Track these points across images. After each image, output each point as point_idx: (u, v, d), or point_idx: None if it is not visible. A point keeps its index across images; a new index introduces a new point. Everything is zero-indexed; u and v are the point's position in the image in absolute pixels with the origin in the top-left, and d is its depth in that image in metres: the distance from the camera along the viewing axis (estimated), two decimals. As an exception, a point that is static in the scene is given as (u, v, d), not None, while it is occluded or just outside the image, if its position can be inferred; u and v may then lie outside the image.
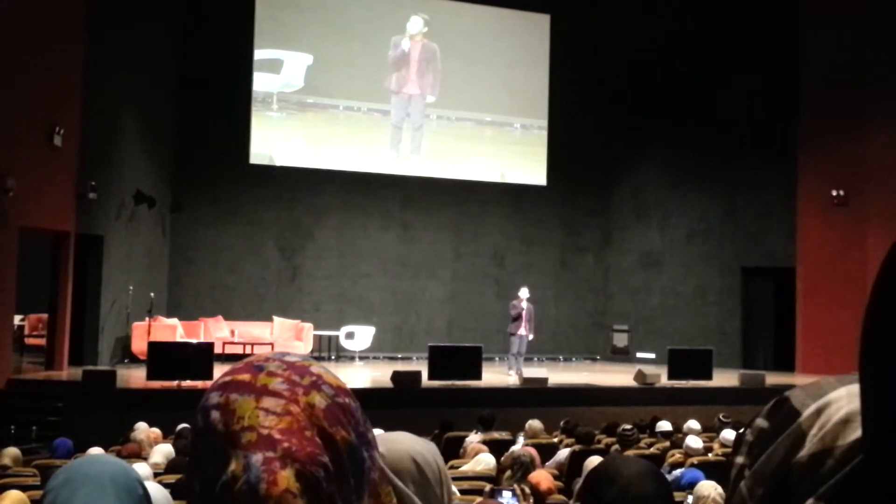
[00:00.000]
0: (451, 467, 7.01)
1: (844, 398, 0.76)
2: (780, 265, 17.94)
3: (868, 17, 16.47)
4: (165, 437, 8.55)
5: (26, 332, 16.48)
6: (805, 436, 0.76)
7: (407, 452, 1.42)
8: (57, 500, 1.47)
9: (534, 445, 8.26)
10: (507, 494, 5.71)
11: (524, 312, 15.26)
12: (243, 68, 18.35)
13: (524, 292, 15.46)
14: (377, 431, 1.15)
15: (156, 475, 5.87)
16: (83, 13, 13.81)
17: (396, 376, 12.82)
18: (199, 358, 12.02)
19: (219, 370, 10.56)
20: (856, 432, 0.73)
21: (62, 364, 13.65)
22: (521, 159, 20.22)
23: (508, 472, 6.85)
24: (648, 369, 14.45)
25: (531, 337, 15.43)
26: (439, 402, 12.14)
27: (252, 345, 15.22)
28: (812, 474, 0.74)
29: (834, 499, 0.72)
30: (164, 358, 12.08)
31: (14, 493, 3.97)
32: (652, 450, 8.52)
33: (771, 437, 0.79)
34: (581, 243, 20.51)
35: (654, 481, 1.59)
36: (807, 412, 0.77)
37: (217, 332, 16.06)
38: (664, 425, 9.75)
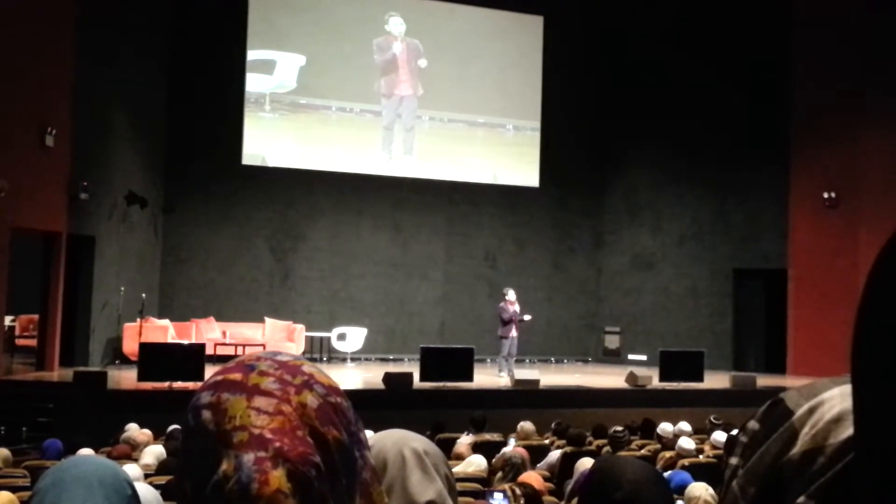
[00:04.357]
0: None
1: (837, 397, 0.76)
2: (771, 267, 17.96)
3: (860, 19, 16.51)
4: (157, 438, 8.53)
5: (17, 332, 16.39)
6: (797, 434, 0.76)
7: (408, 443, 1.44)
8: (44, 502, 1.46)
9: (525, 447, 8.25)
10: (498, 496, 5.70)
11: (514, 316, 15.19)
12: (236, 69, 18.31)
13: (512, 294, 15.38)
14: (368, 433, 1.15)
15: (147, 476, 5.86)
16: (74, 13, 13.76)
17: (388, 378, 12.80)
18: (191, 359, 11.97)
19: (210, 371, 10.51)
20: (847, 431, 0.73)
21: (53, 365, 13.60)
22: (514, 161, 20.22)
23: (500, 474, 6.85)
24: (640, 371, 14.45)
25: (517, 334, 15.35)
26: (431, 404, 12.11)
27: (244, 346, 15.19)
28: (803, 472, 0.74)
29: (825, 496, 0.72)
30: (156, 359, 12.04)
31: (4, 495, 3.96)
32: (643, 451, 8.51)
33: (764, 437, 0.79)
34: (573, 245, 20.52)
35: (658, 485, 1.60)
36: (800, 411, 0.77)
37: (208, 333, 16.02)
38: (666, 427, 9.57)
